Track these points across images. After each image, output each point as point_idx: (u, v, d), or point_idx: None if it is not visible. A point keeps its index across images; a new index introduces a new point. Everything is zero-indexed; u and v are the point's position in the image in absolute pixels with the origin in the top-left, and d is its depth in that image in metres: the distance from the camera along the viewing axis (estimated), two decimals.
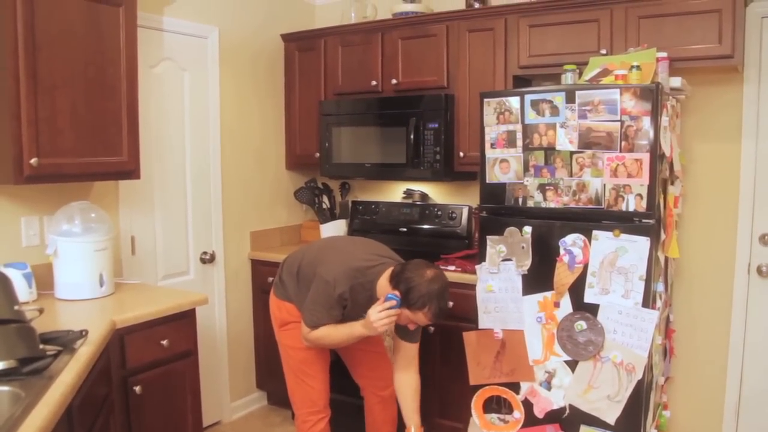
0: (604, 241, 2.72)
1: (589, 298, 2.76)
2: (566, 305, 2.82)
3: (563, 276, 2.81)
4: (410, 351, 2.89)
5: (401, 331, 2.83)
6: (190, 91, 3.80)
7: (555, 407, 2.87)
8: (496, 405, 3.01)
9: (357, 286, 2.71)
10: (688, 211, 3.47)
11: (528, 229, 2.89)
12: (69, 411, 1.84)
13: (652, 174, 2.60)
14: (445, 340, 3.50)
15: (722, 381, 3.47)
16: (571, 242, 2.78)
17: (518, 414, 2.95)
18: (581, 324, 2.76)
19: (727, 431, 3.47)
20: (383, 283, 2.70)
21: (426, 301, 2.55)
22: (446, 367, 3.52)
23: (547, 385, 2.89)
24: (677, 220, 3.26)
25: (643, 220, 2.64)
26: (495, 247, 2.97)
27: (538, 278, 2.88)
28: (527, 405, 2.94)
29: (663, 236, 2.80)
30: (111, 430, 2.41)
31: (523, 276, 2.91)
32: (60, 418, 1.70)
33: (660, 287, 2.85)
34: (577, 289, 2.79)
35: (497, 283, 2.97)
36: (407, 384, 2.90)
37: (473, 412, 3.04)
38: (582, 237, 2.76)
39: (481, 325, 3.05)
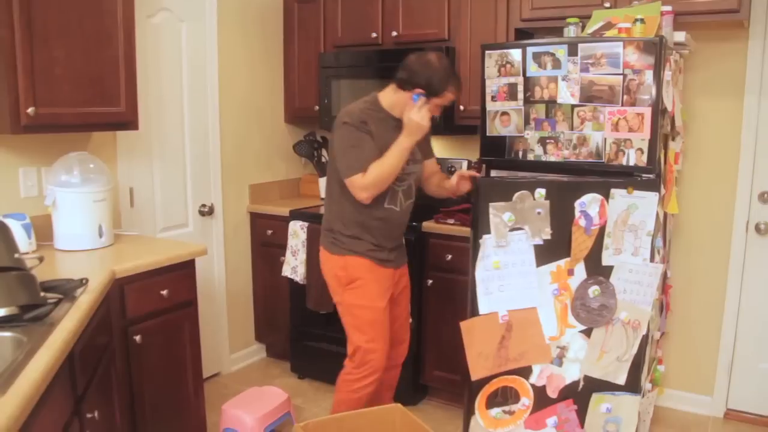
0: (619, 199, 2.60)
1: (606, 260, 2.62)
2: (580, 272, 2.65)
3: (581, 241, 2.62)
4: (434, 165, 3.17)
5: (424, 151, 3.03)
6: (188, 42, 3.75)
7: (568, 382, 2.71)
8: (501, 398, 2.76)
9: (368, 111, 2.79)
10: (688, 168, 3.46)
11: (542, 191, 2.66)
12: (71, 357, 1.86)
13: (654, 128, 2.58)
14: (441, 293, 3.52)
15: (716, 337, 3.51)
16: (588, 202, 2.61)
17: (527, 401, 2.72)
18: (596, 289, 2.62)
19: (720, 387, 3.53)
20: (392, 98, 2.82)
21: (448, 79, 2.74)
22: (442, 320, 3.55)
23: (559, 361, 2.71)
24: (677, 176, 3.25)
25: (643, 175, 2.62)
26: (500, 215, 2.68)
27: (547, 246, 2.68)
28: (538, 387, 2.74)
29: (663, 192, 2.80)
30: (112, 378, 2.44)
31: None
32: (62, 363, 1.72)
33: (659, 243, 2.85)
34: (591, 253, 2.64)
35: (505, 258, 2.69)
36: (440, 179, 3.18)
37: (476, 413, 2.77)
38: (599, 197, 2.60)
39: (481, 310, 2.72)
